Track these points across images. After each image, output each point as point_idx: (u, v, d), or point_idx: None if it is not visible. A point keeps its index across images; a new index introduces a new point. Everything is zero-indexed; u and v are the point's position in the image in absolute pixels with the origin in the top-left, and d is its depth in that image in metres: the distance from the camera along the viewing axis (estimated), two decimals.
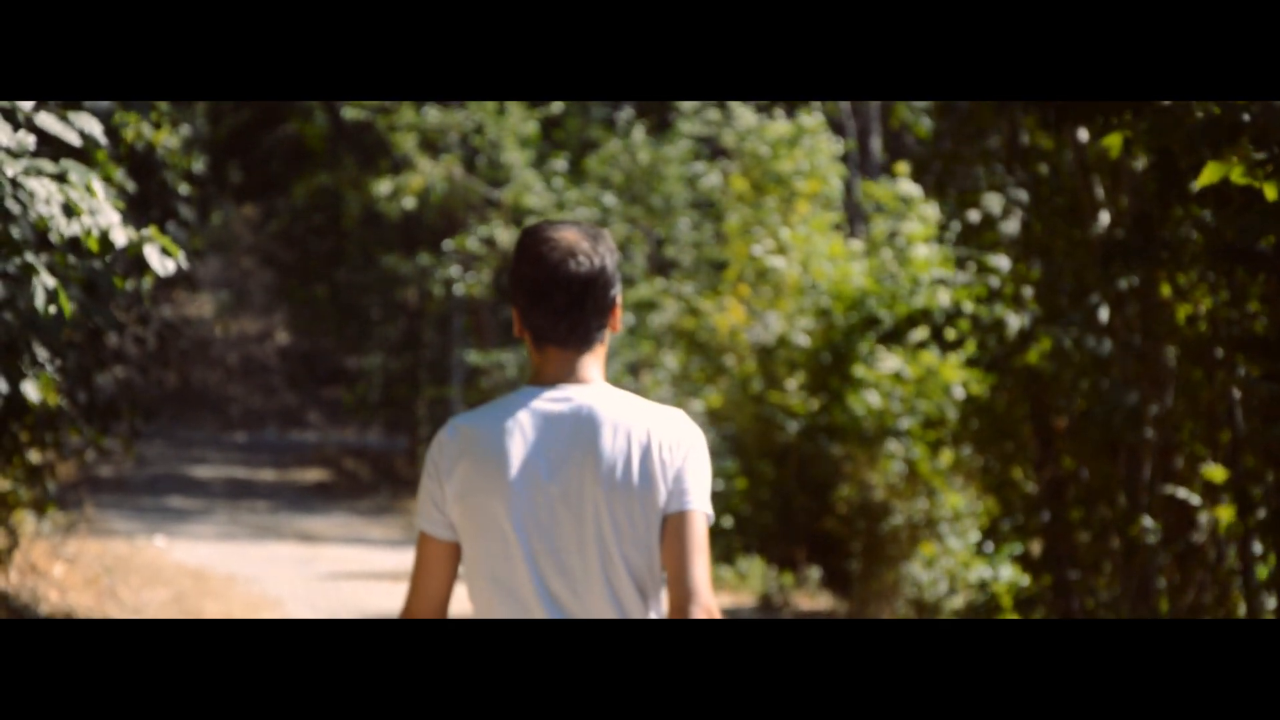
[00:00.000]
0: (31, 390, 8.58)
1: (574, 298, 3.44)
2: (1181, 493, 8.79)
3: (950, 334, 11.57)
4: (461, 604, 3.59)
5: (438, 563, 3.49)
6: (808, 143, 16.85)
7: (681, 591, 3.37)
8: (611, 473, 3.39)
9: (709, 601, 3.39)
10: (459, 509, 3.44)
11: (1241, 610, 8.65)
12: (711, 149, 20.01)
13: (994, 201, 10.54)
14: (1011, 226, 10.45)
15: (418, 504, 3.52)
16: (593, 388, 3.46)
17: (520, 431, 3.42)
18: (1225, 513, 8.14)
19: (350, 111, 21.42)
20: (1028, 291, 10.43)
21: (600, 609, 3.40)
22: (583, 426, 3.41)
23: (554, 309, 3.44)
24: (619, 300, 3.54)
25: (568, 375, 3.47)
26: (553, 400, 3.44)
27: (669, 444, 3.42)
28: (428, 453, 3.49)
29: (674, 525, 3.39)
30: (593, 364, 3.49)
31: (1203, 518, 9.04)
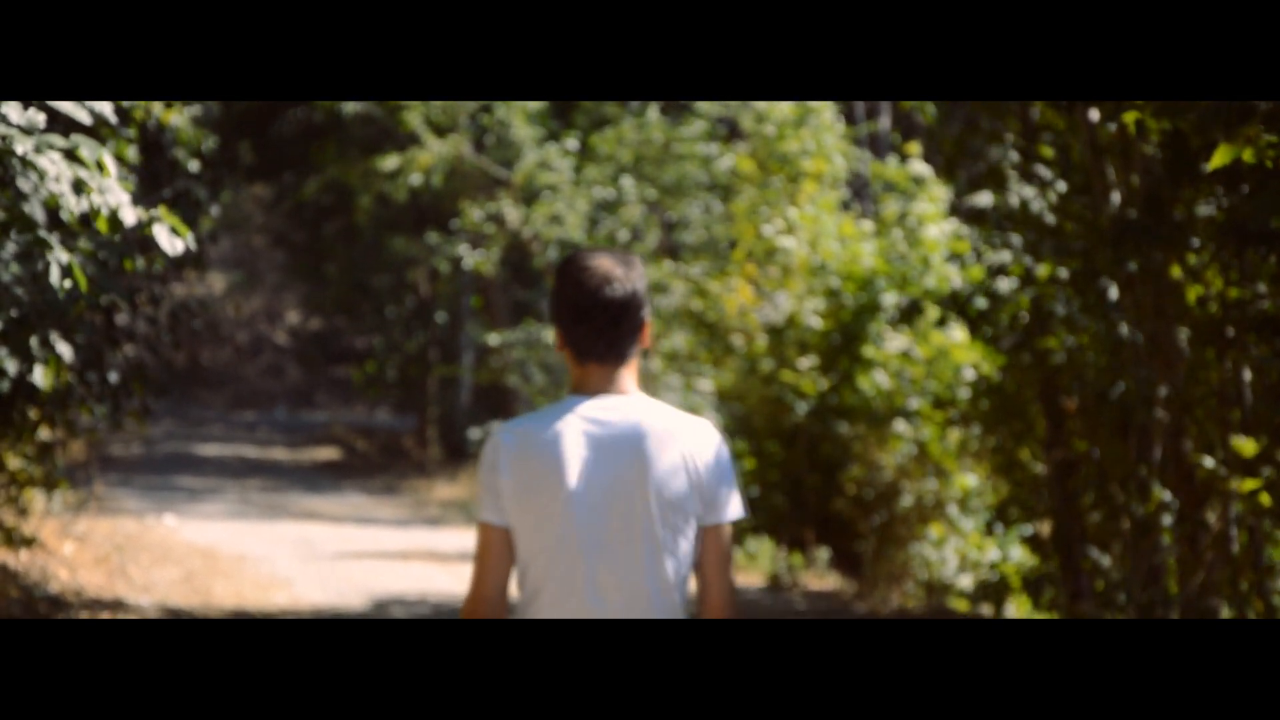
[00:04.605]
0: (40, 376, 8.59)
1: (611, 318, 3.84)
2: (1209, 462, 8.76)
3: (973, 310, 11.56)
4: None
5: (500, 547, 3.82)
6: (813, 122, 16.81)
7: (717, 597, 3.82)
8: (660, 480, 3.78)
9: (735, 599, 3.85)
10: (518, 505, 3.80)
11: (1247, 589, 8.65)
12: (729, 128, 19.95)
13: (1014, 180, 10.51)
14: (1039, 205, 10.42)
15: (478, 499, 3.87)
16: (634, 399, 3.85)
17: (574, 436, 3.79)
18: (1249, 484, 8.10)
19: (350, 106, 21.34)
20: (1063, 272, 10.39)
21: (640, 599, 3.77)
22: (634, 437, 3.79)
23: (593, 328, 3.84)
24: (649, 319, 3.94)
25: (608, 387, 3.85)
26: (600, 409, 3.82)
27: (706, 458, 3.83)
28: (484, 453, 3.86)
29: (711, 536, 3.83)
30: (628, 376, 3.88)
31: (1217, 497, 9.03)
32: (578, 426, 3.80)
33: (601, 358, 3.85)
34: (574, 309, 3.84)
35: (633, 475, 3.77)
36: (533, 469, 3.78)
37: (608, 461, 3.77)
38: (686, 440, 3.81)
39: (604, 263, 3.86)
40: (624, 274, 3.86)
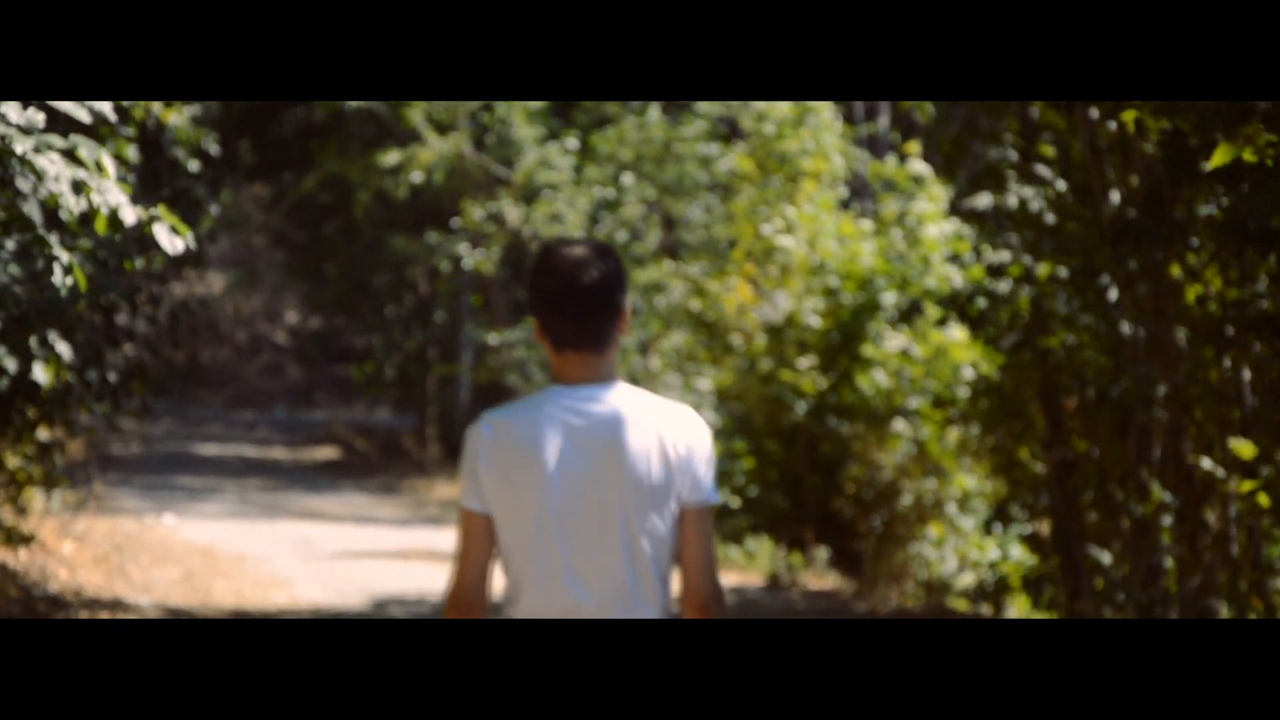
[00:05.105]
0: (40, 373, 8.59)
1: (586, 306, 3.87)
2: (1206, 464, 8.76)
3: (974, 310, 11.57)
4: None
5: (481, 534, 3.88)
6: (812, 121, 16.81)
7: (697, 578, 3.84)
8: (635, 465, 3.82)
9: (716, 577, 3.86)
10: (498, 494, 3.85)
11: (1247, 589, 8.65)
12: (729, 127, 19.95)
13: (1013, 180, 10.51)
14: (1038, 205, 10.41)
15: (461, 487, 3.93)
16: (612, 387, 3.90)
17: (552, 426, 3.84)
18: (1248, 485, 8.11)
19: (352, 102, 21.37)
20: (1062, 271, 10.39)
21: (618, 583, 3.82)
22: (609, 423, 3.84)
23: (569, 317, 3.88)
24: (626, 306, 3.97)
25: (587, 376, 3.90)
26: (578, 398, 3.87)
27: (684, 441, 3.86)
28: (465, 442, 3.91)
29: (689, 517, 3.86)
30: (607, 364, 3.93)
31: (1216, 496, 9.03)
32: (556, 415, 3.85)
33: (578, 346, 3.89)
34: (550, 298, 3.88)
35: (608, 462, 3.81)
36: (511, 457, 3.83)
37: (584, 449, 3.82)
38: (663, 424, 3.85)
39: (578, 251, 3.90)
40: (598, 262, 3.89)
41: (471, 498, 3.87)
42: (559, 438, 3.83)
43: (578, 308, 3.87)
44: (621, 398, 3.88)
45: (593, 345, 3.89)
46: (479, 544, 3.86)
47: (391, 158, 20.54)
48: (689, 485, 3.85)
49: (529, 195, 19.89)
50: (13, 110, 6.01)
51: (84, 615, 10.58)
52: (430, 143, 20.44)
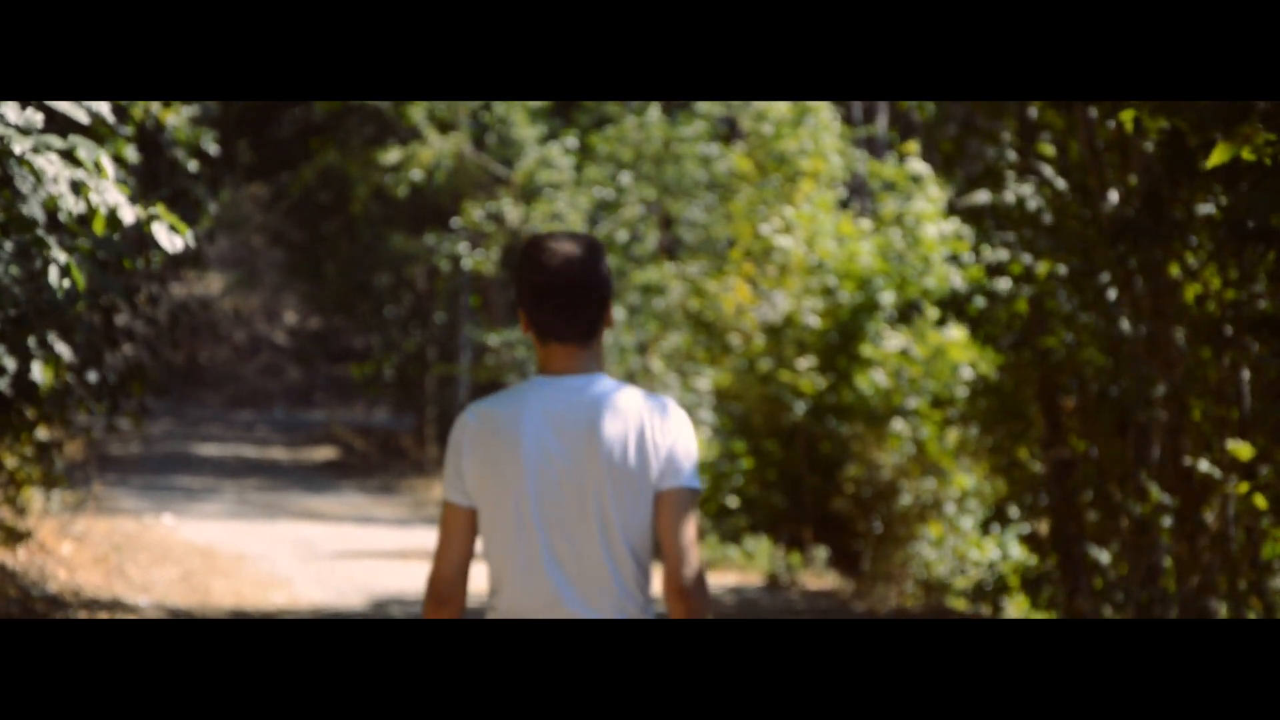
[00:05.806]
0: (39, 373, 8.59)
1: (571, 298, 3.93)
2: (1205, 466, 8.77)
3: (973, 310, 11.57)
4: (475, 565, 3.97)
5: (461, 527, 3.93)
6: (811, 122, 16.82)
7: (675, 556, 3.85)
8: (611, 453, 3.87)
9: (697, 563, 3.86)
10: (479, 483, 3.91)
11: (1246, 588, 8.65)
12: (729, 127, 19.95)
13: (1011, 179, 10.51)
14: (1036, 203, 10.41)
15: (444, 478, 3.98)
16: (595, 378, 3.96)
17: (533, 415, 3.90)
18: (1245, 487, 8.10)
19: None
20: (1061, 269, 10.39)
21: (597, 570, 3.87)
22: (587, 413, 3.90)
23: (554, 308, 3.93)
24: (611, 299, 4.03)
25: (571, 367, 3.96)
26: (561, 389, 3.93)
27: (661, 429, 3.91)
28: (451, 433, 3.98)
29: (666, 500, 3.88)
30: (592, 356, 3.99)
31: (1216, 496, 9.04)
32: (537, 405, 3.90)
33: (563, 337, 3.94)
34: (535, 290, 3.93)
35: (586, 450, 3.86)
36: (493, 448, 3.89)
37: (563, 439, 3.87)
38: (642, 413, 3.89)
39: (564, 244, 3.95)
40: (584, 255, 3.94)
41: (454, 490, 3.93)
42: (540, 427, 3.88)
43: (562, 300, 3.91)
44: (602, 388, 3.93)
45: (577, 337, 3.94)
46: (459, 536, 3.91)
47: (392, 155, 20.54)
48: (664, 469, 3.87)
49: (529, 195, 19.90)
50: (11, 110, 6.01)
51: (83, 615, 10.58)
52: (431, 141, 20.44)
